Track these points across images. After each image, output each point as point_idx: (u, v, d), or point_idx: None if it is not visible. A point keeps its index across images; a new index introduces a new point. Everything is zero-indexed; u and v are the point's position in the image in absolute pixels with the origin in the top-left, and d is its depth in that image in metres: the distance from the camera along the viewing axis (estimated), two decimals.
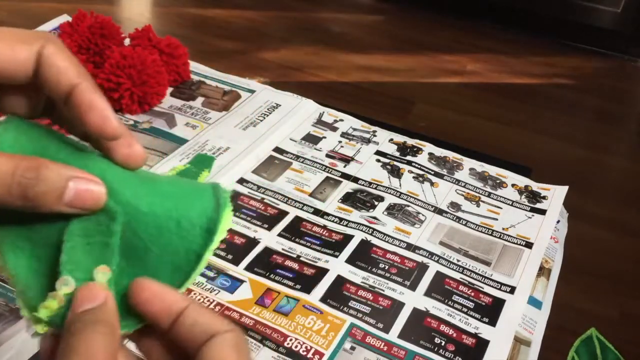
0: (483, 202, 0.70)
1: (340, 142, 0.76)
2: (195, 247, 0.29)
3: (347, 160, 0.73)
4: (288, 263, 0.58)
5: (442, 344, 0.52)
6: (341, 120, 0.81)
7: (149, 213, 0.29)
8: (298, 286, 0.55)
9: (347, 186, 0.69)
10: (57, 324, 0.27)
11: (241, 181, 0.67)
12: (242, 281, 0.55)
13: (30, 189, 0.25)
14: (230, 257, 0.58)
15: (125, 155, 0.29)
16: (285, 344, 0.50)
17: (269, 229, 0.61)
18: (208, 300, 0.52)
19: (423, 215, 0.66)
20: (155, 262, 0.29)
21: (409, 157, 0.75)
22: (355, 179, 0.70)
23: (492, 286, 0.58)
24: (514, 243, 0.64)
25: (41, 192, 0.26)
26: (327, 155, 0.74)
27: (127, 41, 0.83)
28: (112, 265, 0.28)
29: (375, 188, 0.69)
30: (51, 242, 0.28)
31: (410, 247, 0.62)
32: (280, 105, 0.81)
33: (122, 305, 0.28)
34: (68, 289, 0.27)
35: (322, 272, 0.57)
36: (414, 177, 0.72)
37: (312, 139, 0.76)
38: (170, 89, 0.81)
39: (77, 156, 0.29)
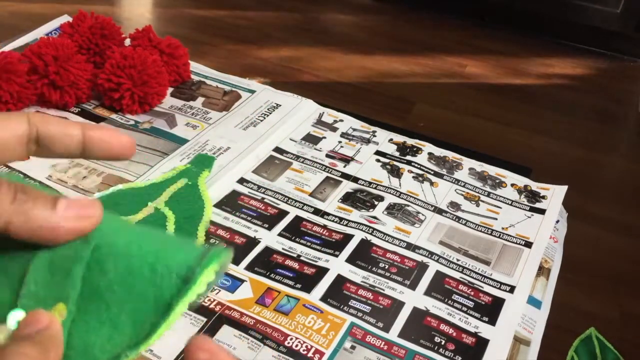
0: (482, 201, 0.70)
1: (340, 142, 0.77)
2: (166, 295, 0.26)
3: (347, 160, 0.73)
4: (288, 262, 0.58)
5: (442, 343, 0.52)
6: (341, 120, 0.81)
7: (123, 252, 0.27)
8: (298, 285, 0.55)
9: (347, 186, 0.69)
10: None
11: (241, 181, 0.68)
12: (242, 280, 0.55)
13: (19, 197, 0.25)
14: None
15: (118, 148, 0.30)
16: (286, 343, 0.50)
17: (269, 228, 0.62)
18: (209, 300, 0.53)
19: (423, 214, 0.66)
20: (117, 308, 0.26)
21: (408, 157, 0.75)
22: (355, 179, 0.70)
23: (492, 285, 0.58)
24: (513, 242, 0.64)
25: (29, 207, 0.25)
26: (327, 155, 0.74)
27: (127, 41, 0.84)
28: (68, 302, 0.26)
29: (375, 188, 0.69)
30: (15, 273, 0.26)
31: (410, 246, 0.62)
32: (280, 106, 0.81)
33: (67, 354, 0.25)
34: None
35: (323, 271, 0.57)
36: (413, 177, 0.72)
37: (312, 139, 0.76)
38: (170, 89, 0.81)
39: None
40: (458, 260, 0.61)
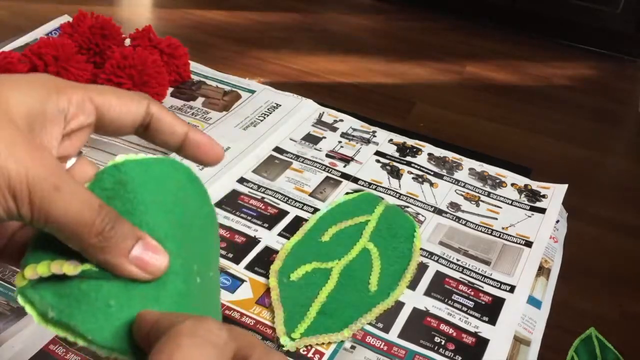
0: (482, 201, 0.70)
1: (340, 142, 0.77)
2: None
3: (347, 160, 0.73)
4: None
5: (442, 343, 0.52)
6: (341, 120, 0.81)
7: None
8: None
9: (347, 186, 0.69)
10: (29, 296, 0.26)
11: (241, 180, 0.68)
12: (242, 280, 0.55)
13: (106, 234, 0.26)
14: (230, 255, 0.58)
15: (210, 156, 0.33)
16: None
17: (269, 228, 0.62)
18: None
19: (423, 215, 0.66)
20: None
21: (408, 158, 0.75)
22: (355, 179, 0.70)
23: (492, 285, 0.58)
24: (513, 242, 0.64)
25: (113, 243, 0.26)
26: (327, 155, 0.74)
27: (127, 41, 0.84)
28: None
29: (375, 189, 0.69)
30: None
31: None
32: (280, 106, 0.81)
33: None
34: (72, 269, 0.26)
35: None
36: (413, 178, 0.72)
37: (312, 139, 0.76)
38: (170, 89, 0.81)
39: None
40: (458, 260, 0.61)
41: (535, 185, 0.73)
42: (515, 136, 0.90)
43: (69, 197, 0.25)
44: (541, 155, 0.85)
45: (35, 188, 0.24)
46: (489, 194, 0.71)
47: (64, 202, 0.25)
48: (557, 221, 0.68)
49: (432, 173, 0.73)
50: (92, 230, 0.26)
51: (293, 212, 0.64)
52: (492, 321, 0.54)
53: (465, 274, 0.59)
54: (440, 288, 0.57)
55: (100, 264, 0.26)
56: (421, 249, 0.61)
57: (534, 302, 0.57)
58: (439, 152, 0.77)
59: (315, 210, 0.65)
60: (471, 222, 0.66)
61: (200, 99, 0.80)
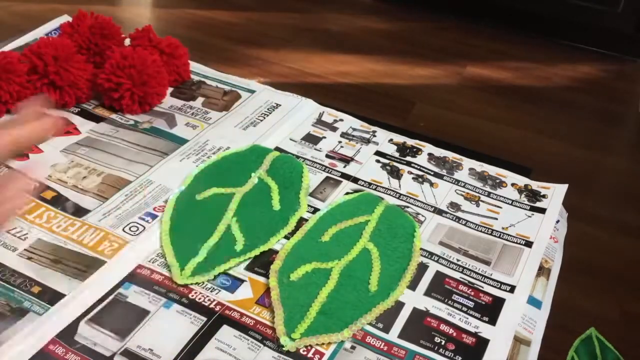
0: (483, 201, 0.70)
1: (340, 142, 0.77)
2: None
3: (347, 160, 0.73)
4: None
5: (442, 344, 0.52)
6: (341, 120, 0.81)
7: None
8: None
9: (347, 186, 0.69)
10: None
11: None
12: (242, 281, 0.55)
13: None
14: None
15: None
16: None
17: None
18: (209, 300, 0.53)
19: (423, 215, 0.66)
20: None
21: (408, 158, 0.75)
22: (355, 179, 0.70)
23: (492, 285, 0.58)
24: (513, 242, 0.64)
25: None
26: (327, 156, 0.74)
27: (127, 41, 0.84)
28: None
29: (375, 189, 0.69)
30: None
31: None
32: (280, 105, 0.81)
33: None
34: None
35: None
36: (413, 178, 0.72)
37: (312, 139, 0.76)
38: (170, 89, 0.81)
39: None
40: (458, 260, 0.61)
41: (535, 185, 0.73)
42: (515, 136, 0.90)
43: None
44: (541, 155, 0.85)
45: None
46: (489, 194, 0.71)
47: None
48: (558, 221, 0.68)
49: (432, 173, 0.73)
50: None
51: None
52: (492, 321, 0.54)
53: (465, 274, 0.59)
54: (440, 288, 0.57)
55: None
56: (421, 249, 0.61)
57: (534, 302, 0.57)
58: (439, 152, 0.77)
59: (315, 210, 0.65)
60: (471, 222, 0.66)
61: (200, 99, 0.80)
